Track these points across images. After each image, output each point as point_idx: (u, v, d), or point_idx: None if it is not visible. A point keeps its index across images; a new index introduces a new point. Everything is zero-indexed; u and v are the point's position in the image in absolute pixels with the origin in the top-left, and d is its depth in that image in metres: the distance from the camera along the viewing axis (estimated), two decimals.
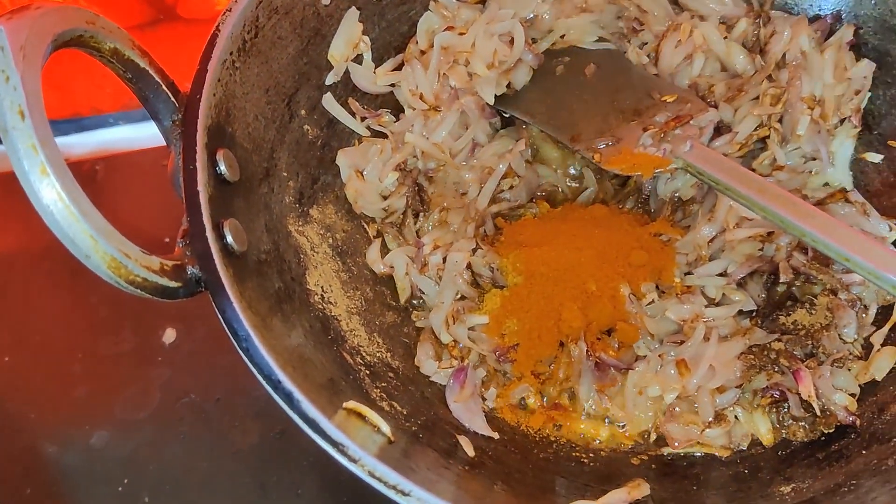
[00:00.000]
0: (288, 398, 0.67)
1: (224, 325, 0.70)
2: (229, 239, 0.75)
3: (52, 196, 0.61)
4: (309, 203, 0.95)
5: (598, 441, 0.91)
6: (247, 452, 1.13)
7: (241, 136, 0.85)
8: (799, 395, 0.87)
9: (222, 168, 0.79)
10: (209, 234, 0.73)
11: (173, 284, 0.69)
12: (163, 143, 0.81)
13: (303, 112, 0.96)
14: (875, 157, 1.02)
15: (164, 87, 0.80)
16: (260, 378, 0.68)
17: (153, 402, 1.19)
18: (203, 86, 0.80)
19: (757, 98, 1.00)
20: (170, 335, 1.22)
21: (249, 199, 0.84)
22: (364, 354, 0.88)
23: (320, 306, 0.87)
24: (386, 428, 0.74)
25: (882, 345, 0.92)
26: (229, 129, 0.83)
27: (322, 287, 0.90)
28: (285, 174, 0.92)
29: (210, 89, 0.81)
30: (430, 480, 0.68)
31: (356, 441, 0.67)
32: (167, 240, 1.18)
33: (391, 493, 0.64)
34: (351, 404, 0.74)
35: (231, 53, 0.84)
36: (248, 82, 0.87)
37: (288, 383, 0.67)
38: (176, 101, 0.80)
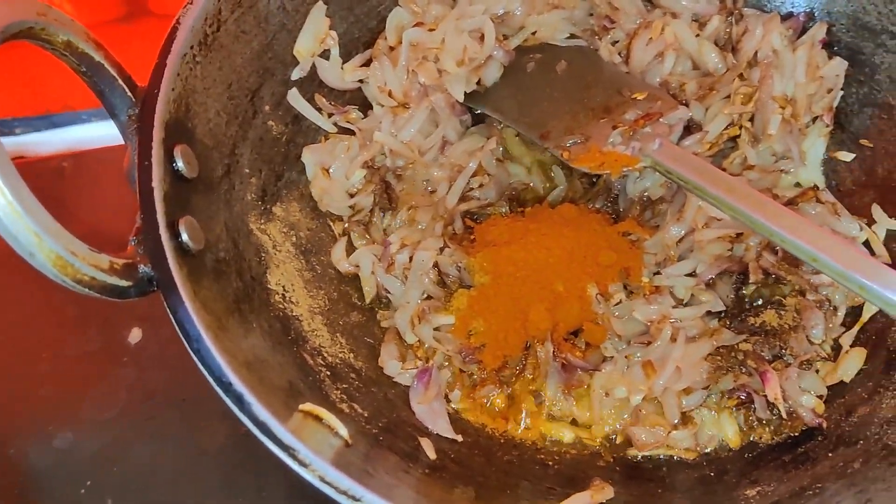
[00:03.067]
0: (238, 401, 0.66)
1: (175, 325, 0.68)
2: (184, 237, 0.74)
3: None
4: (272, 200, 0.93)
5: (563, 443, 0.89)
6: (213, 454, 1.12)
7: (201, 132, 0.84)
8: (765, 396, 0.86)
9: (180, 164, 0.78)
10: (163, 231, 0.71)
11: (123, 283, 0.68)
12: None
13: (267, 108, 0.94)
14: (847, 156, 1.01)
15: (119, 80, 0.78)
16: (211, 380, 0.67)
17: (119, 403, 1.17)
18: (161, 80, 0.78)
19: (728, 97, 0.99)
20: (136, 335, 1.20)
21: (209, 196, 0.82)
22: (325, 355, 0.86)
23: (281, 306, 0.86)
24: (343, 431, 0.73)
25: (851, 346, 0.91)
26: (189, 124, 0.82)
27: (283, 286, 0.88)
28: (247, 171, 0.90)
29: (169, 84, 0.79)
30: (387, 485, 0.67)
31: (310, 444, 0.65)
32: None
33: (342, 499, 0.62)
34: (307, 406, 0.73)
35: (192, 48, 0.83)
36: (209, 77, 0.85)
37: (239, 385, 0.66)
38: (133, 96, 0.78)
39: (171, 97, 0.79)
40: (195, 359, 0.67)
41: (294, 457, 0.64)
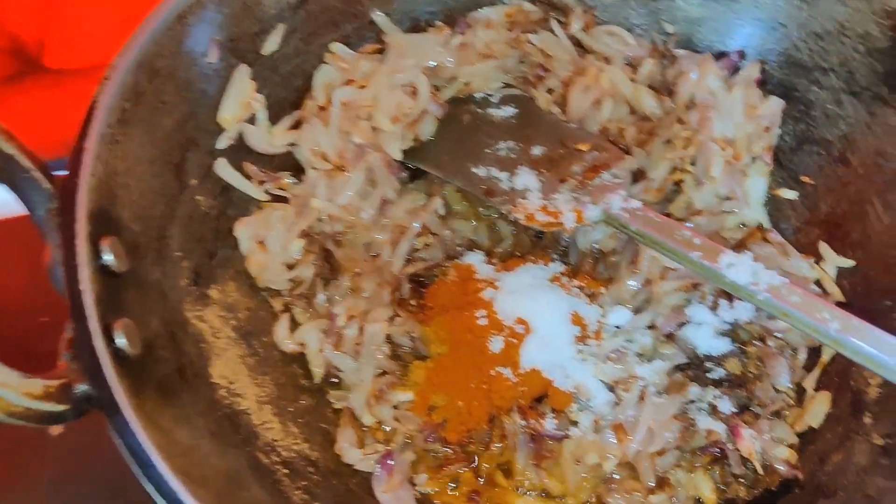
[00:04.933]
0: None
1: (125, 451, 0.61)
2: (121, 342, 0.66)
3: None
4: (206, 283, 0.86)
5: None
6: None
7: (127, 217, 0.76)
8: (739, 451, 0.84)
9: (108, 258, 0.70)
10: (97, 340, 0.63)
11: (59, 408, 0.60)
12: None
13: (193, 181, 0.87)
14: (789, 194, 1.01)
15: (34, 171, 0.70)
16: None
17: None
18: (80, 167, 0.71)
19: (669, 141, 0.98)
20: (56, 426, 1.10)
21: (142, 289, 0.75)
22: (280, 450, 0.80)
23: (227, 401, 0.79)
24: None
25: (815, 389, 0.90)
26: (114, 212, 0.74)
27: (228, 378, 0.81)
28: (178, 253, 0.83)
29: (89, 170, 0.71)
30: None
31: None
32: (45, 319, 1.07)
33: None
34: None
35: (110, 126, 0.75)
36: (130, 156, 0.78)
37: None
38: (51, 186, 0.71)
39: (92, 185, 0.71)
40: (149, 486, 0.60)
41: None
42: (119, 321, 0.67)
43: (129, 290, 0.72)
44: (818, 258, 0.96)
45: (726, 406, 0.86)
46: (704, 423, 0.85)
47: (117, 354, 0.65)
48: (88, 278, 0.66)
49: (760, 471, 0.83)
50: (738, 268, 0.79)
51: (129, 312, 0.70)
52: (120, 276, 0.71)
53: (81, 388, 0.62)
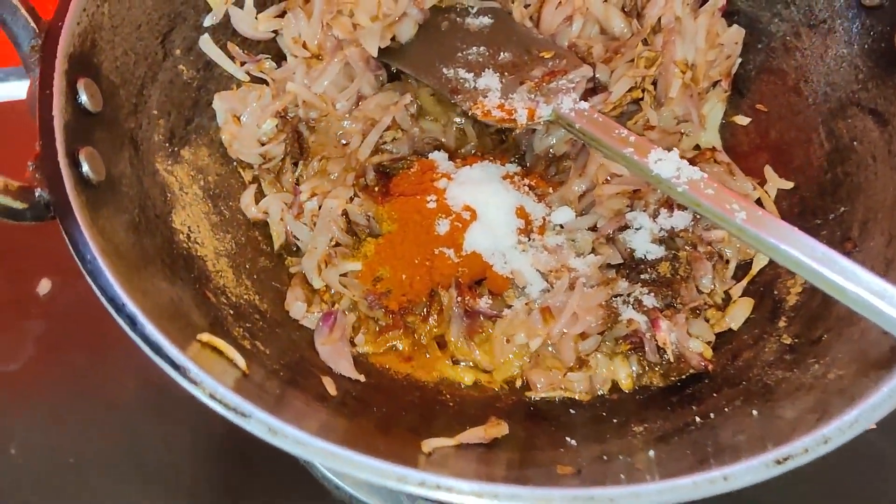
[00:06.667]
0: (131, 322, 0.66)
1: (71, 248, 0.68)
2: (85, 167, 0.74)
3: None
4: (181, 143, 0.93)
5: (464, 385, 0.92)
6: (121, 406, 1.11)
7: (107, 68, 0.83)
8: (656, 341, 0.89)
9: (83, 98, 0.77)
10: (61, 159, 0.71)
11: (18, 205, 0.68)
12: None
13: (178, 52, 0.94)
14: (743, 120, 1.06)
15: (22, 10, 0.77)
16: (104, 300, 0.67)
17: (25, 355, 1.16)
18: (66, 13, 0.78)
19: (632, 61, 1.03)
20: (45, 286, 1.19)
21: (113, 131, 0.82)
22: (230, 295, 0.87)
23: (185, 245, 0.86)
24: (242, 362, 0.74)
25: (740, 297, 0.95)
26: (94, 59, 0.82)
27: (189, 227, 0.88)
28: (156, 112, 0.90)
29: (74, 17, 0.79)
30: (278, 406, 0.68)
31: (203, 366, 0.66)
32: None
33: (231, 416, 0.63)
34: (206, 337, 0.73)
35: None
36: (117, 16, 0.85)
37: (132, 306, 0.66)
38: (36, 27, 0.78)
39: (75, 31, 0.79)
40: (89, 280, 0.67)
41: (185, 375, 0.64)
42: (85, 149, 0.75)
43: (100, 129, 0.80)
44: (763, 181, 1.01)
45: (650, 301, 0.92)
46: (627, 314, 0.91)
47: (79, 175, 0.73)
48: (60, 107, 0.74)
49: (672, 360, 0.89)
50: (664, 163, 0.84)
51: (98, 146, 0.77)
52: (93, 115, 0.79)
53: (41, 193, 0.69)
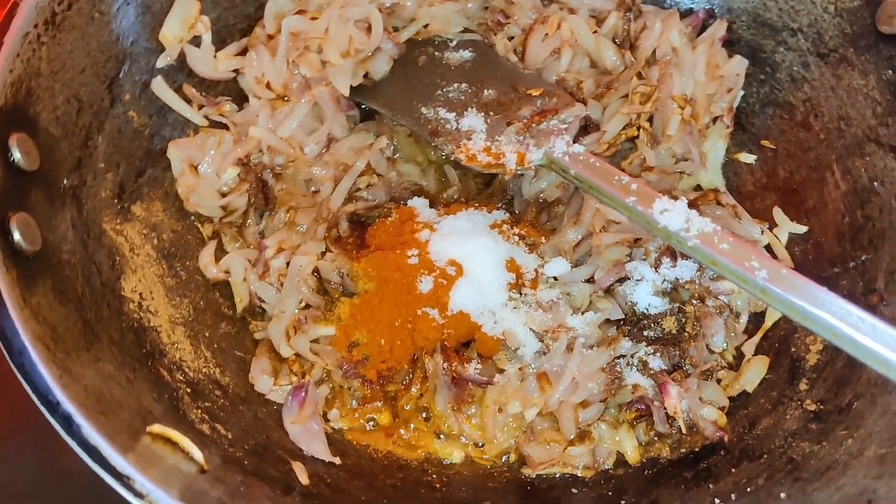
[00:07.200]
0: (66, 423, 0.57)
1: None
2: (16, 236, 0.65)
3: None
4: (131, 199, 0.84)
5: (452, 464, 0.82)
6: (81, 473, 1.01)
7: (45, 119, 0.74)
8: (665, 409, 0.81)
9: (16, 155, 0.69)
10: None
11: None
12: None
13: (127, 97, 0.85)
14: (748, 158, 0.98)
15: None
16: (35, 398, 0.58)
17: None
18: None
19: (626, 96, 0.95)
20: None
21: (51, 191, 0.73)
22: (186, 370, 0.77)
23: (136, 315, 0.77)
24: (199, 455, 0.65)
25: (754, 354, 0.87)
26: (30, 111, 0.72)
27: (140, 294, 0.79)
28: (102, 165, 0.81)
29: (5, 65, 0.70)
30: None
31: (153, 471, 0.57)
32: None
33: None
34: (156, 428, 0.64)
35: (36, 26, 0.73)
36: (57, 60, 0.76)
37: (68, 405, 0.57)
38: None
39: (7, 80, 0.70)
40: (18, 375, 0.58)
41: (129, 486, 0.55)
42: (17, 216, 0.65)
43: (36, 190, 0.70)
44: (772, 224, 0.93)
45: (657, 363, 0.83)
46: (632, 378, 0.82)
47: (10, 246, 0.64)
48: None
49: (684, 430, 0.80)
50: (672, 214, 0.75)
51: (33, 210, 0.68)
52: (28, 175, 0.70)
53: None
